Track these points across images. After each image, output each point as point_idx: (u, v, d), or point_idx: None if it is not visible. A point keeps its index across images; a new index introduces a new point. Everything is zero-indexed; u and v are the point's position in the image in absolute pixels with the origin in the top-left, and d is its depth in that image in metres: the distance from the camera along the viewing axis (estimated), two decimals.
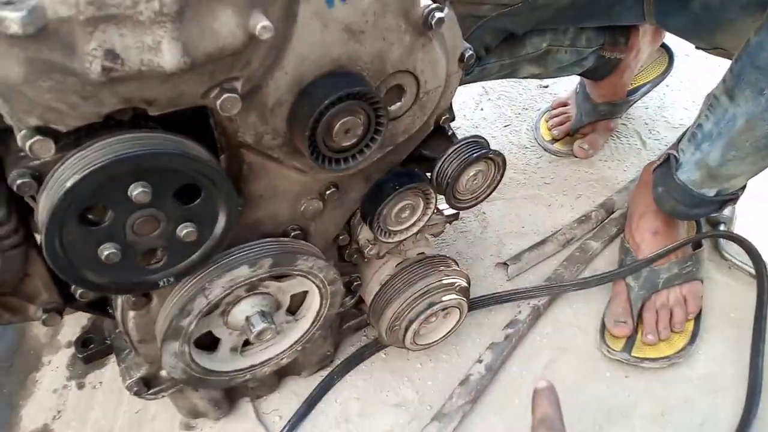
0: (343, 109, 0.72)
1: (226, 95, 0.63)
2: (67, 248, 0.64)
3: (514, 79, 1.76)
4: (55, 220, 0.61)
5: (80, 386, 1.20)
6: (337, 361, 1.22)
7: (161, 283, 0.74)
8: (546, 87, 1.87)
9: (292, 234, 0.88)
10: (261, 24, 0.58)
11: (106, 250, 0.66)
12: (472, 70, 1.31)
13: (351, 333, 1.26)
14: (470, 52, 0.86)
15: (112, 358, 1.09)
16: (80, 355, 0.97)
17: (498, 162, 0.95)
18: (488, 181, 0.97)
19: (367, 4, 0.69)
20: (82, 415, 1.15)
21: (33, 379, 1.22)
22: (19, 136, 0.60)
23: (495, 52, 1.31)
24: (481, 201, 1.00)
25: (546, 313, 1.29)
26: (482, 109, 1.80)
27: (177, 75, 0.57)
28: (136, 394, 0.93)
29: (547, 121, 1.72)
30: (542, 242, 1.42)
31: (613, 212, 1.49)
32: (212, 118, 0.73)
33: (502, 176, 0.98)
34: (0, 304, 0.76)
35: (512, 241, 1.44)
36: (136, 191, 0.63)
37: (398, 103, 0.82)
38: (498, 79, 1.43)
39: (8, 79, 0.54)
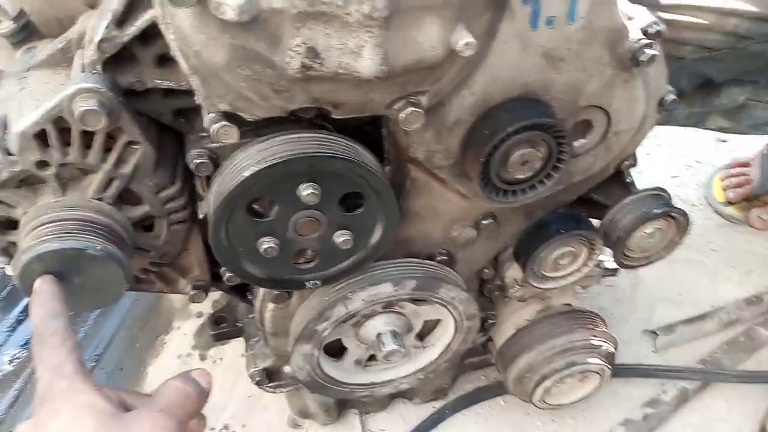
0: (525, 140, 0.66)
1: (410, 109, 0.60)
2: (231, 235, 0.65)
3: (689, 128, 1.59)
4: (227, 206, 0.62)
5: (202, 357, 1.25)
6: (452, 396, 1.16)
7: (309, 284, 0.73)
8: (725, 141, 1.67)
9: (439, 258, 0.84)
10: (465, 40, 0.55)
11: (266, 243, 0.66)
12: None
13: (471, 369, 1.19)
14: (672, 96, 0.77)
15: (233, 340, 1.11)
16: (212, 332, 1.00)
17: (681, 222, 0.84)
18: (665, 242, 0.87)
19: (573, 31, 0.63)
20: None
21: (162, 340, 1.29)
22: (207, 118, 0.61)
23: (686, 97, 1.18)
24: (652, 263, 0.89)
25: (694, 400, 1.14)
26: (648, 154, 1.64)
27: (371, 82, 0.55)
28: (258, 383, 0.94)
29: (722, 180, 1.53)
30: (701, 317, 1.26)
31: None
32: (386, 128, 0.71)
33: (681, 239, 0.87)
34: (157, 274, 0.79)
35: (665, 308, 1.29)
36: (306, 191, 0.63)
37: (582, 140, 0.75)
38: (682, 126, 1.30)
39: (212, 63, 0.56)
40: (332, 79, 0.55)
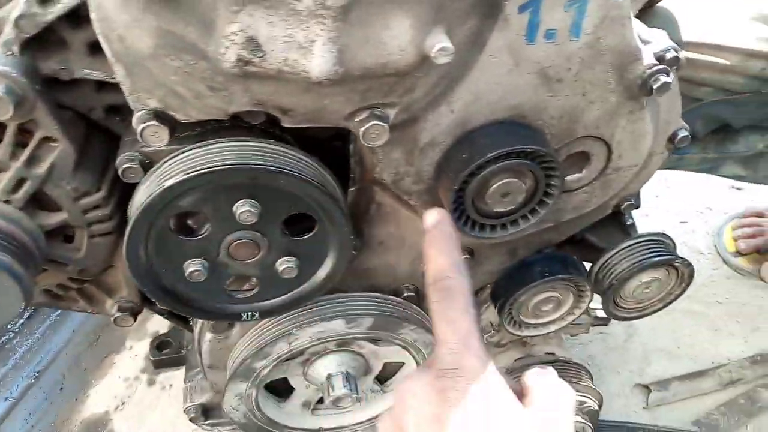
0: (508, 168, 0.57)
1: (373, 122, 0.50)
2: (151, 253, 0.55)
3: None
4: (145, 219, 0.52)
5: (150, 382, 1.14)
6: None
7: (244, 317, 0.63)
8: (740, 189, 1.58)
9: (405, 294, 0.74)
10: (440, 45, 0.45)
11: (193, 266, 0.56)
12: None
13: None
14: (685, 133, 0.68)
15: None
16: (152, 358, 0.90)
17: (683, 274, 0.74)
18: (662, 294, 0.77)
19: (576, 49, 0.54)
20: (142, 414, 1.09)
21: (111, 360, 1.18)
22: (135, 117, 0.51)
23: (701, 142, 1.09)
24: (646, 315, 0.79)
25: None
26: (657, 196, 1.55)
27: (323, 86, 0.46)
28: (192, 420, 0.83)
29: (734, 229, 1.44)
30: (699, 373, 1.16)
31: None
32: (353, 143, 0.61)
33: (682, 292, 0.77)
34: (78, 291, 0.69)
35: (660, 361, 1.19)
36: (243, 209, 0.53)
37: (578, 174, 0.65)
38: (694, 172, 1.20)
39: (137, 50, 0.46)
40: (276, 78, 0.45)
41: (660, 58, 0.57)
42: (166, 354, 0.90)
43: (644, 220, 1.48)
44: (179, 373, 1.15)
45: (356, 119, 0.51)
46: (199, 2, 0.42)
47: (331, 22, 0.43)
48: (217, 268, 0.58)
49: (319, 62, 0.44)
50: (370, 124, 0.50)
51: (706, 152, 1.12)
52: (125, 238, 0.53)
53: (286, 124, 0.52)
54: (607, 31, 0.54)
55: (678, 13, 0.91)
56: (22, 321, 1.21)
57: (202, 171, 0.50)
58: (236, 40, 0.43)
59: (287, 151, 0.54)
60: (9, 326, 1.18)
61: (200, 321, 0.76)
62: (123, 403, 1.11)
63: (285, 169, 0.52)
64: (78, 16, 0.51)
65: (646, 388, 1.14)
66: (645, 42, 0.58)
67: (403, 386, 0.44)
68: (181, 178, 0.50)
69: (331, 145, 0.65)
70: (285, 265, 0.59)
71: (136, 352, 1.19)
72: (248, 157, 0.52)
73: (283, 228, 0.57)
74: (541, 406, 0.43)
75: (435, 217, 0.50)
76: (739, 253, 1.41)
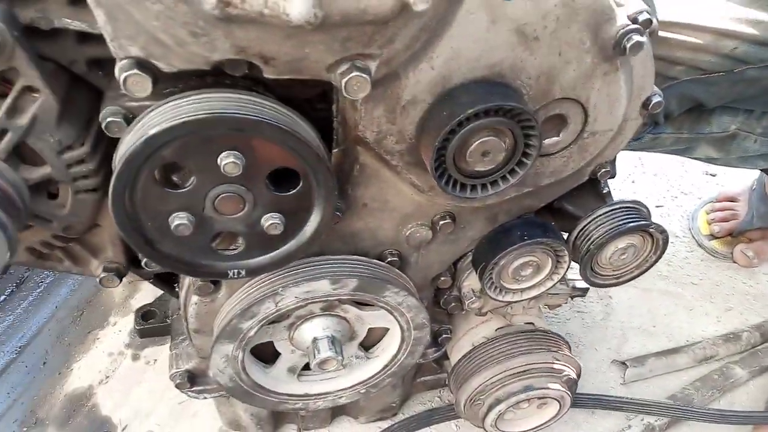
0: (488, 126, 0.58)
1: (355, 74, 0.51)
2: (137, 205, 0.56)
3: (677, 158, 1.53)
4: (130, 166, 0.52)
5: (135, 357, 1.14)
6: (401, 416, 1.06)
7: (230, 274, 0.63)
8: (714, 176, 1.62)
9: (389, 259, 0.75)
10: None
11: (178, 220, 0.57)
12: (643, 136, 1.12)
13: (423, 389, 1.10)
14: (658, 99, 0.69)
15: None
16: (137, 327, 0.90)
17: (658, 240, 0.76)
18: (638, 261, 0.79)
19: (552, 6, 0.56)
20: (127, 388, 1.09)
21: (95, 335, 1.18)
22: (117, 66, 0.52)
23: (675, 121, 1.11)
24: (622, 283, 0.81)
25: None
26: (633, 182, 1.58)
27: (304, 31, 0.47)
28: (179, 386, 0.84)
29: (708, 213, 1.47)
30: (674, 350, 1.18)
31: None
32: (336, 104, 0.63)
33: (657, 259, 0.79)
34: (63, 250, 0.69)
35: (637, 338, 1.21)
36: (227, 161, 0.54)
37: (555, 138, 0.67)
38: (668, 153, 1.23)
39: None
40: (257, 21, 0.46)
41: (633, 20, 0.59)
42: (151, 324, 0.90)
43: None
44: (163, 348, 1.16)
45: (338, 71, 0.52)
46: None
47: None
48: (203, 222, 0.58)
49: (299, 3, 0.45)
50: (351, 75, 0.51)
51: (680, 132, 1.14)
52: (111, 187, 0.53)
53: (267, 75, 0.52)
54: None
55: None
56: (3, 297, 1.21)
57: (187, 119, 0.51)
58: None
59: (271, 104, 0.55)
60: None
61: (186, 285, 0.76)
62: (107, 378, 1.10)
63: (269, 119, 0.53)
64: None
65: (623, 364, 1.16)
66: (619, 5, 0.60)
67: None
68: (165, 126, 0.50)
69: (313, 108, 0.66)
70: (270, 221, 0.60)
71: (120, 328, 1.19)
72: (233, 107, 0.52)
73: (268, 183, 0.58)
74: None
75: None
76: (713, 236, 1.44)
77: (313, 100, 0.66)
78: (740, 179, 1.54)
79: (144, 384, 1.10)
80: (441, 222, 0.73)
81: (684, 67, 1.00)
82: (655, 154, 1.56)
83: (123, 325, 1.20)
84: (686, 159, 1.53)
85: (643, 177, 1.61)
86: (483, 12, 0.55)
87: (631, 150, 1.19)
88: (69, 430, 1.04)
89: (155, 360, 1.14)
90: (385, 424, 1.05)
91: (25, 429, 1.04)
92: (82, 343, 1.16)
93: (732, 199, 1.48)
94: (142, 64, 0.51)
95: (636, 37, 0.58)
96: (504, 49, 0.57)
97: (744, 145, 1.23)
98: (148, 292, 1.25)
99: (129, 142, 0.53)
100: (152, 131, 0.50)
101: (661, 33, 0.87)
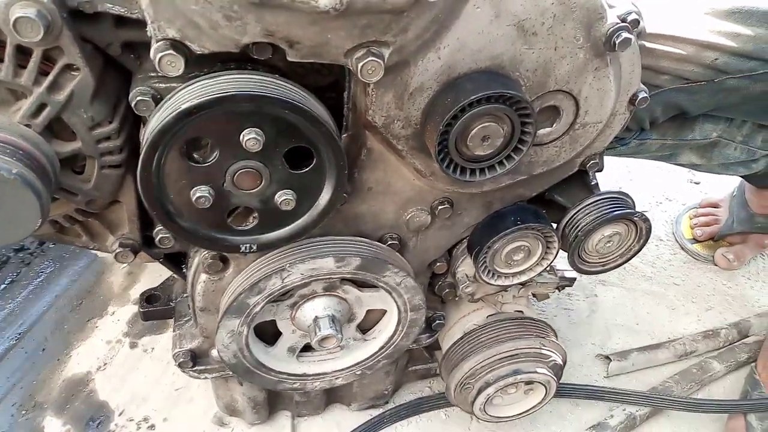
0: (488, 112, 0.63)
1: (371, 58, 0.56)
2: (162, 177, 0.60)
3: (663, 167, 1.60)
4: (160, 141, 0.56)
5: (132, 345, 1.16)
6: (392, 404, 1.10)
7: (242, 248, 0.67)
8: (698, 183, 1.69)
9: (389, 243, 0.80)
10: None
11: (200, 192, 0.61)
12: (629, 142, 1.18)
13: (415, 378, 1.14)
14: (644, 94, 0.75)
15: (170, 330, 1.05)
16: (141, 310, 0.93)
17: (641, 228, 0.82)
18: (623, 248, 0.84)
19: (549, 4, 0.61)
20: (125, 375, 1.11)
21: (93, 324, 1.20)
22: (153, 47, 0.56)
23: (660, 128, 1.17)
24: (608, 270, 0.86)
25: (641, 427, 1.10)
26: (621, 187, 1.64)
27: (328, 18, 0.52)
28: (181, 365, 0.86)
29: (691, 218, 1.54)
30: (656, 346, 1.23)
31: (746, 336, 1.28)
32: (348, 90, 0.67)
33: (641, 247, 0.84)
34: (83, 225, 0.72)
35: (621, 335, 1.26)
36: (249, 136, 0.58)
37: (548, 128, 0.72)
38: (653, 159, 1.29)
39: None
40: (287, 6, 0.51)
41: (623, 19, 0.64)
42: (155, 306, 0.93)
43: None
44: (160, 337, 1.18)
45: (355, 56, 0.57)
46: None
47: None
48: (222, 196, 0.62)
49: None
50: (367, 59, 0.56)
51: (665, 139, 1.20)
52: (141, 157, 0.57)
53: (291, 58, 0.57)
54: None
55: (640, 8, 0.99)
56: (4, 285, 1.22)
57: (217, 95, 0.55)
58: None
59: (292, 86, 0.60)
60: None
61: (195, 264, 0.80)
62: (105, 364, 1.12)
63: (292, 99, 0.57)
64: None
65: (607, 358, 1.20)
66: (610, 6, 0.66)
67: None
68: (196, 102, 0.55)
69: (323, 96, 0.71)
70: (284, 197, 0.64)
71: (118, 317, 1.21)
72: (257, 87, 0.57)
73: (284, 161, 0.62)
74: None
75: None
76: (695, 240, 1.50)
77: (325, 88, 0.71)
78: (722, 187, 1.62)
79: (141, 371, 1.12)
80: (440, 207, 0.78)
81: (669, 77, 1.06)
82: (642, 163, 1.63)
83: (121, 314, 1.22)
84: (671, 167, 1.60)
85: (630, 184, 1.67)
86: (487, 7, 0.60)
87: (618, 156, 1.26)
88: (67, 414, 1.06)
89: (152, 348, 1.16)
90: (376, 412, 1.08)
91: (23, 412, 1.05)
92: (81, 330, 1.18)
93: (714, 206, 1.55)
94: (177, 46, 0.55)
95: (624, 34, 0.63)
96: (505, 42, 0.62)
97: (725, 152, 1.30)
98: (145, 284, 1.28)
99: (161, 117, 0.56)
100: (185, 105, 0.54)
101: (647, 44, 0.94)
